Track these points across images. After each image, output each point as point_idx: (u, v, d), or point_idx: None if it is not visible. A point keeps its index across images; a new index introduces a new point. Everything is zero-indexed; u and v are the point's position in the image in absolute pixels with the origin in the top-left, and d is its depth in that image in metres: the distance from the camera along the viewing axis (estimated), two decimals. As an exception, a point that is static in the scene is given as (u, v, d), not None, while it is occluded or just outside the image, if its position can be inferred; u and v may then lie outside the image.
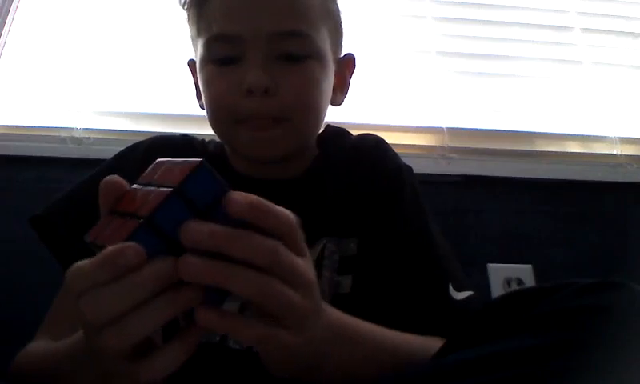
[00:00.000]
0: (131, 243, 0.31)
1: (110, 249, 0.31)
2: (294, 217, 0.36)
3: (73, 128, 1.13)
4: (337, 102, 0.72)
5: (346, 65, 0.74)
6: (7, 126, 1.15)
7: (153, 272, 0.31)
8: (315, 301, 0.38)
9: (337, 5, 0.72)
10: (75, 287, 0.32)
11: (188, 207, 0.32)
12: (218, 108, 0.65)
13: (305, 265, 0.36)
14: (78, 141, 1.12)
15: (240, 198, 0.33)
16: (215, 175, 0.33)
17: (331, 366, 0.43)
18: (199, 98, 0.72)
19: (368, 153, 0.71)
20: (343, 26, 0.72)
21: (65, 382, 0.45)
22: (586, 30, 1.35)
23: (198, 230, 0.32)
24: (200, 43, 0.65)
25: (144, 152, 0.70)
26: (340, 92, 0.73)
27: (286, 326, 0.35)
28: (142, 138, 0.74)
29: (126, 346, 0.32)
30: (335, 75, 0.70)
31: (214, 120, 0.66)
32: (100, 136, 1.13)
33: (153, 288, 0.31)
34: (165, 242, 0.32)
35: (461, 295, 0.60)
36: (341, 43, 0.72)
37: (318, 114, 0.67)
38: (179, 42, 1.13)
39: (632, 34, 1.36)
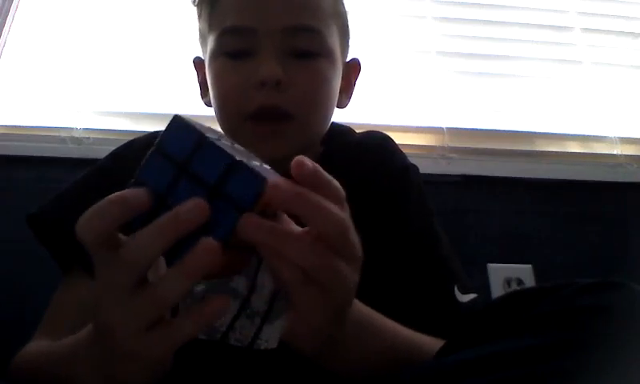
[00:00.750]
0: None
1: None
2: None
3: (73, 128, 1.13)
4: (342, 104, 0.72)
5: (353, 68, 0.74)
6: (7, 125, 1.15)
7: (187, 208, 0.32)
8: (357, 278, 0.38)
9: (344, 7, 0.72)
10: (93, 229, 0.33)
11: (170, 163, 0.33)
12: (227, 101, 0.64)
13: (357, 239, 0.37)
14: (77, 141, 1.12)
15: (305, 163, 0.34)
16: (190, 125, 0.34)
17: (347, 353, 0.44)
18: (203, 95, 0.72)
19: (374, 151, 0.71)
20: (350, 28, 0.73)
21: (65, 382, 0.45)
22: (586, 29, 1.35)
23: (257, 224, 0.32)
24: (211, 38, 0.65)
25: (140, 150, 0.70)
26: (345, 95, 0.73)
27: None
28: (142, 138, 0.74)
29: (178, 295, 0.32)
30: (342, 78, 0.70)
31: (222, 114, 0.66)
32: (100, 136, 1.13)
33: (189, 221, 0.31)
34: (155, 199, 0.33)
35: (466, 298, 0.60)
36: (348, 45, 0.72)
37: (326, 112, 0.67)
38: (179, 42, 1.14)
39: (632, 34, 1.36)
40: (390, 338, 0.48)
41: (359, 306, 0.45)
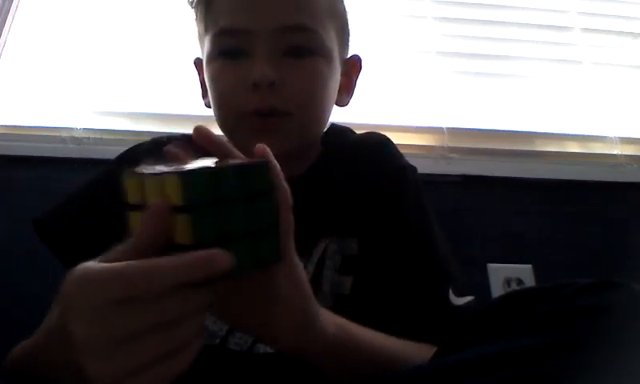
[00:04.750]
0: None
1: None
2: None
3: (73, 128, 1.13)
4: (342, 102, 0.72)
5: (353, 66, 0.74)
6: (7, 126, 1.15)
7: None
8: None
9: (344, 5, 0.72)
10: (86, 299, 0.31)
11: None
12: (224, 102, 0.65)
13: None
14: (77, 141, 1.12)
15: None
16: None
17: (326, 364, 0.44)
18: (204, 96, 0.72)
19: (372, 151, 0.71)
20: (350, 27, 0.73)
21: (49, 370, 0.44)
22: (585, 29, 1.35)
23: None
24: (207, 39, 0.66)
25: (145, 153, 0.70)
26: (346, 93, 0.73)
27: None
28: (141, 138, 0.74)
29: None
30: (341, 76, 0.70)
31: (220, 115, 0.66)
32: (100, 136, 1.13)
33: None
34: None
35: (461, 300, 0.60)
36: (347, 44, 0.72)
37: (323, 110, 0.67)
38: (179, 42, 1.14)
39: (632, 34, 1.36)
40: (369, 350, 0.48)
41: (336, 321, 0.45)
